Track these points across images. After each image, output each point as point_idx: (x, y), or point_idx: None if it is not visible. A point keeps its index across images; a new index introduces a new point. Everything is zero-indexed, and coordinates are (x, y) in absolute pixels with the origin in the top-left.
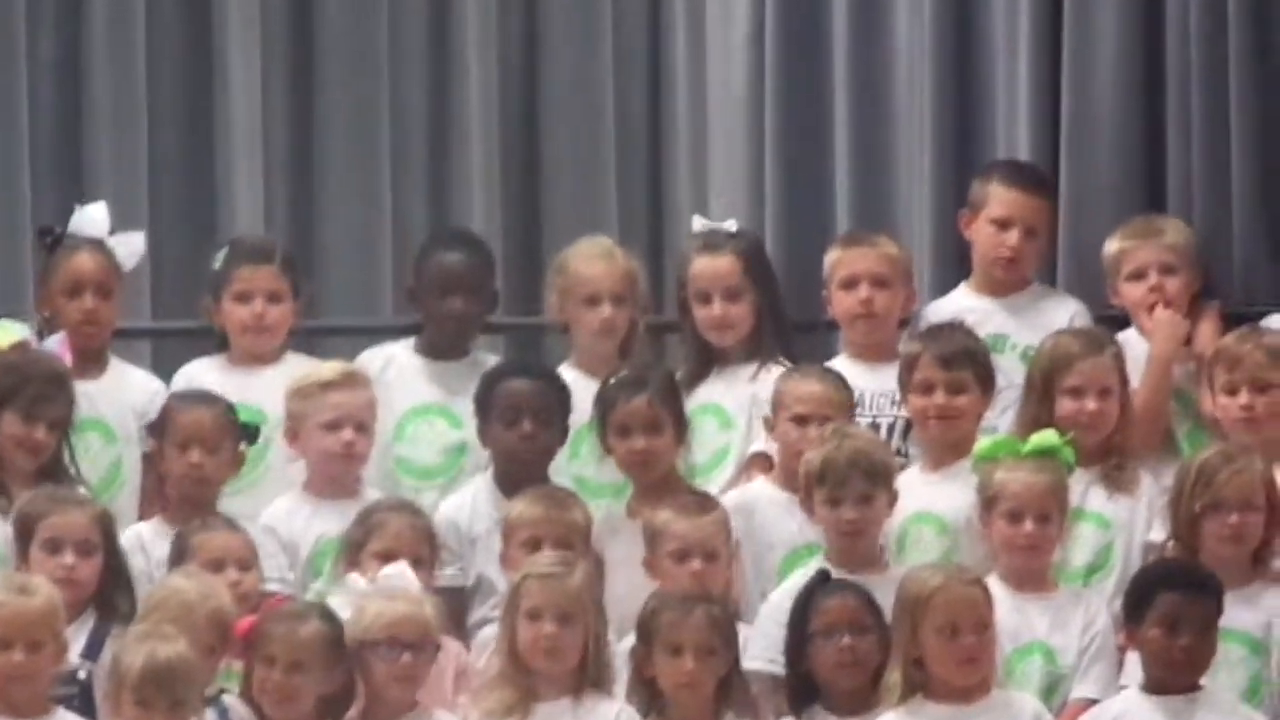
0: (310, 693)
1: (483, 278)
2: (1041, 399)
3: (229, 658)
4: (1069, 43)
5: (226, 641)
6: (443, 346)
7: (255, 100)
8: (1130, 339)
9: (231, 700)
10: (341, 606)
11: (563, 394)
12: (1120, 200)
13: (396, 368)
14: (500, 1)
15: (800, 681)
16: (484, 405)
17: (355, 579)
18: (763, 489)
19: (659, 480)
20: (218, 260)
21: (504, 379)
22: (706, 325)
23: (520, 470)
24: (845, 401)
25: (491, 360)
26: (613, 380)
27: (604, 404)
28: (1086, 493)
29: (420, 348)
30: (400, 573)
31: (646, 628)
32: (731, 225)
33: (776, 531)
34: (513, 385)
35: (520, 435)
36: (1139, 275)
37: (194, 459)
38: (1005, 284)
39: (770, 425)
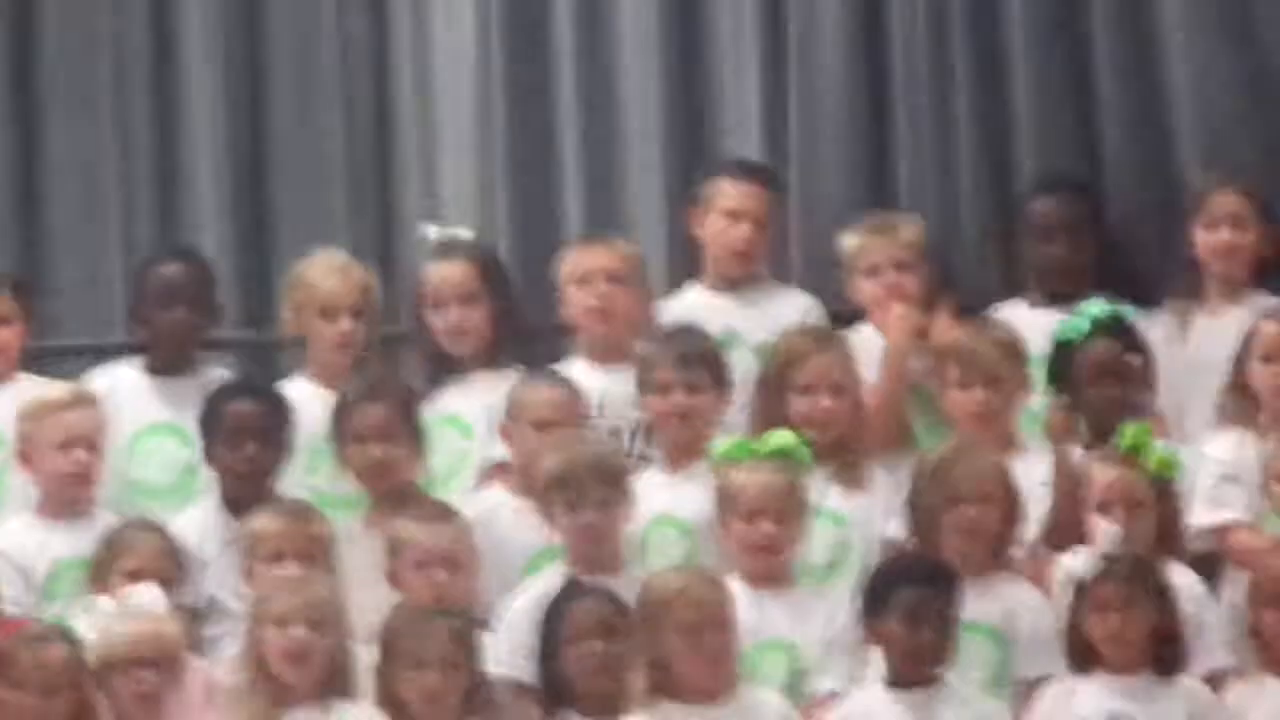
0: (61, 716)
1: (201, 288)
2: (774, 397)
3: None
4: (795, 35)
5: None
6: (168, 361)
7: None
8: (866, 335)
9: None
10: (87, 629)
11: (285, 412)
12: (852, 196)
13: (125, 388)
14: (223, 18)
15: (552, 688)
16: (208, 427)
17: (103, 600)
18: (501, 496)
19: (396, 491)
20: None
21: (226, 400)
22: (443, 333)
23: (246, 490)
24: (580, 406)
25: (219, 375)
26: (349, 391)
27: (340, 414)
28: (822, 491)
29: (147, 366)
30: (146, 593)
31: (388, 643)
32: (465, 232)
33: (517, 539)
34: (236, 407)
35: (245, 457)
36: (874, 272)
37: None
38: (738, 279)
39: (507, 433)
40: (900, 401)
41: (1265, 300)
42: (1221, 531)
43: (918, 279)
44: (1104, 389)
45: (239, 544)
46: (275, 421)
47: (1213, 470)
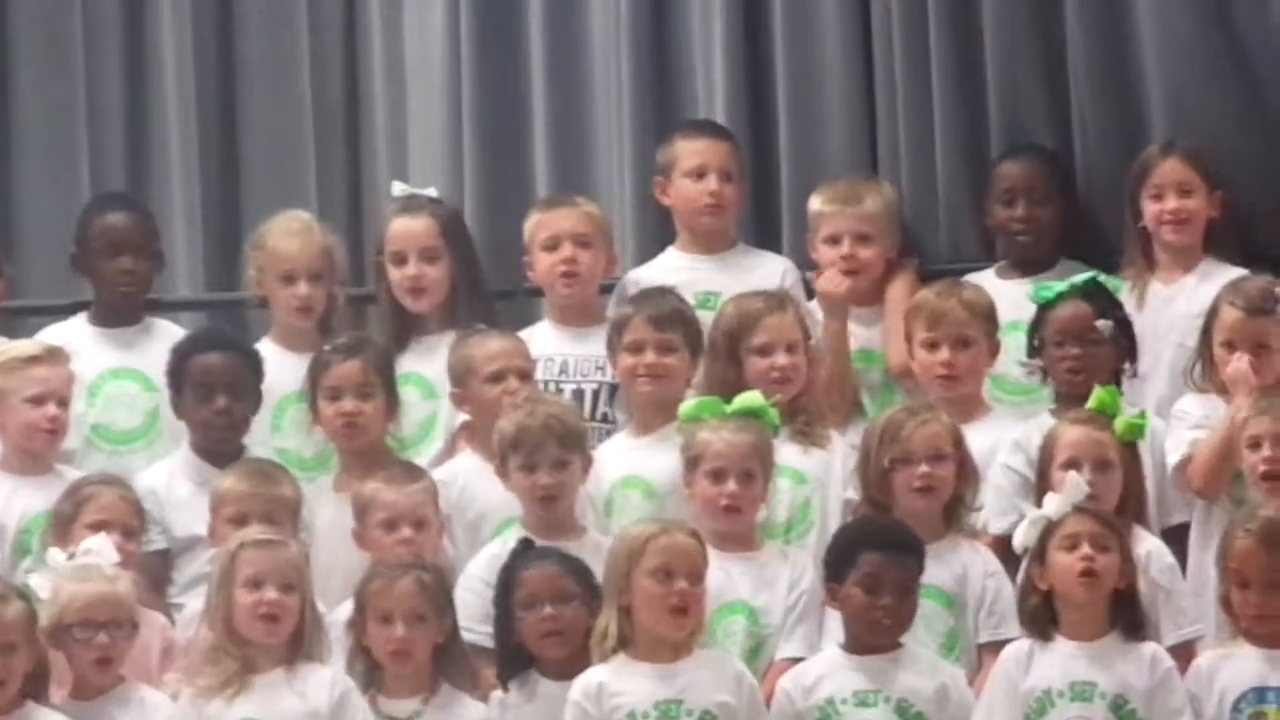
0: (19, 674)
1: (144, 235)
2: (729, 360)
3: None
4: (783, 15)
5: None
6: (118, 311)
7: None
8: None
9: None
10: (41, 587)
11: (255, 364)
12: (836, 159)
13: (78, 341)
14: None
15: (511, 651)
16: (176, 379)
17: (55, 555)
18: (469, 460)
19: (366, 451)
20: None
21: (193, 353)
22: (401, 287)
23: (219, 441)
24: (528, 353)
25: (160, 325)
26: (325, 347)
27: (316, 370)
28: (780, 449)
29: (95, 318)
30: (99, 547)
31: (359, 598)
32: (431, 191)
33: (486, 501)
34: (203, 360)
35: (217, 409)
36: (834, 240)
37: None
38: (713, 237)
39: (459, 399)
40: (842, 369)
41: (1216, 267)
42: (1186, 462)
43: (877, 251)
44: (1067, 351)
45: (211, 499)
46: (245, 372)
47: (1186, 422)
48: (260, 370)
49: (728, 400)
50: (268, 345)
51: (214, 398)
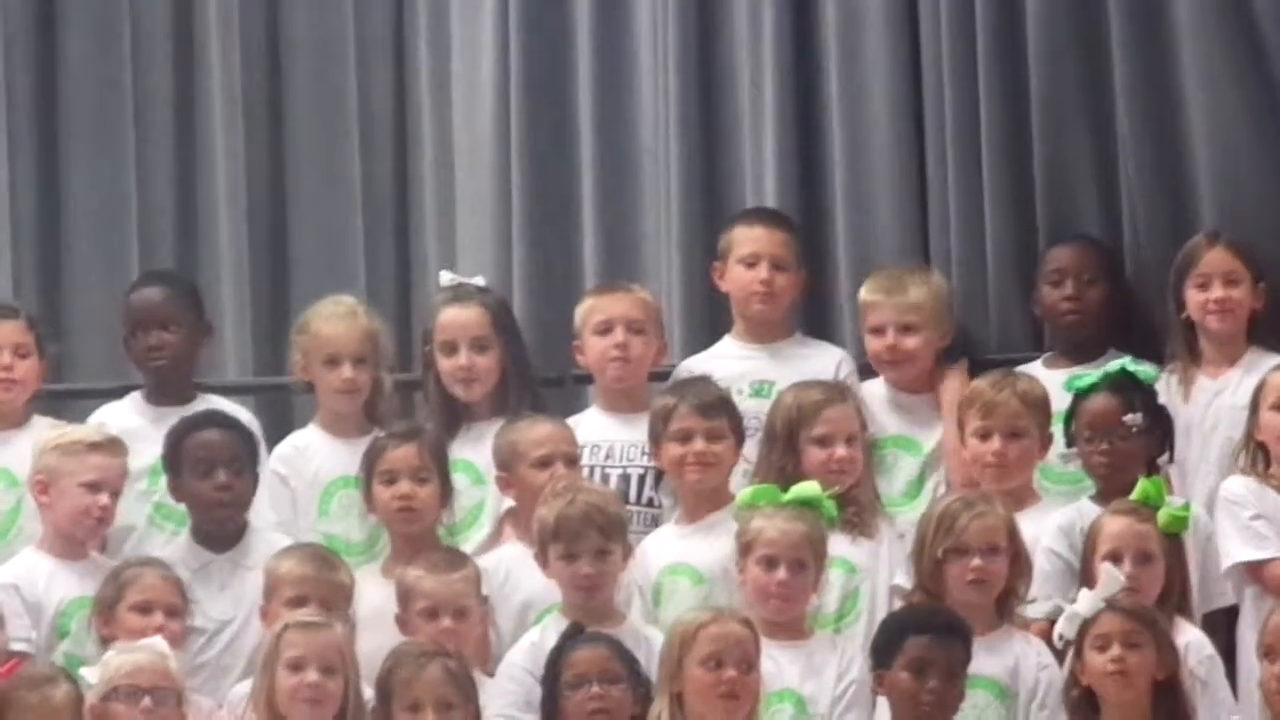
0: None
1: (176, 309)
2: (786, 450)
3: None
4: (838, 105)
5: None
6: (159, 389)
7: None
8: (874, 388)
9: None
10: (92, 674)
11: (252, 443)
12: (887, 249)
13: (128, 421)
14: (245, 68)
15: None
16: (172, 462)
17: (110, 653)
18: (514, 547)
19: (418, 537)
20: None
21: (192, 432)
22: (452, 376)
23: (221, 520)
24: (574, 439)
25: (214, 403)
26: (382, 432)
27: (372, 454)
28: (830, 540)
29: (146, 397)
30: (154, 642)
31: (385, 685)
32: (479, 280)
33: (530, 588)
34: (203, 437)
35: (216, 485)
36: (879, 331)
37: None
38: (767, 326)
39: (505, 484)
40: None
41: (1261, 358)
42: (1261, 567)
43: (923, 340)
44: (1097, 445)
45: (266, 582)
46: (243, 449)
47: (1243, 510)
48: (256, 450)
49: (784, 489)
50: (314, 431)
51: (214, 473)
